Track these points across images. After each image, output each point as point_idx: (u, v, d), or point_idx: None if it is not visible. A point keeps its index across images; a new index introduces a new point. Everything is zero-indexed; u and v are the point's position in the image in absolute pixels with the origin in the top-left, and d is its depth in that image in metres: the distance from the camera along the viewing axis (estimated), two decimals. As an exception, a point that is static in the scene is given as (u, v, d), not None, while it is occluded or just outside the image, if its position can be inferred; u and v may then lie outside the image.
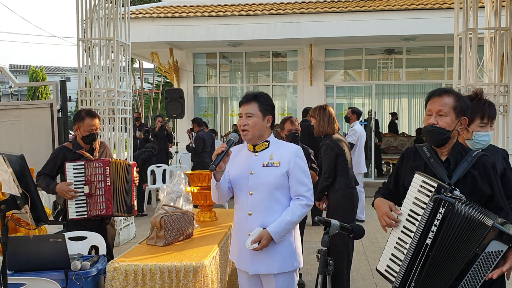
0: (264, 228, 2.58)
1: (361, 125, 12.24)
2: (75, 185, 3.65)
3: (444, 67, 11.63)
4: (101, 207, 3.66)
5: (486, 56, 6.15)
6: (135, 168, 3.87)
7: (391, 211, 2.29)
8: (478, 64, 6.03)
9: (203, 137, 8.80)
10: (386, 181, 2.53)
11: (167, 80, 20.39)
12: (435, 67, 12.34)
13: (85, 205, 3.67)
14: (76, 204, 3.65)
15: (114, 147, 6.58)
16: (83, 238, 3.49)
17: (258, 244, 2.55)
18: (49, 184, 3.69)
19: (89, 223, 3.70)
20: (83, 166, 3.68)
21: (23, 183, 2.09)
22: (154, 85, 29.06)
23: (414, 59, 12.12)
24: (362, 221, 7.43)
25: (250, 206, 2.66)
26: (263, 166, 2.65)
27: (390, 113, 13.64)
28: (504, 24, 6.01)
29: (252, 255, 2.63)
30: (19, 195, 2.07)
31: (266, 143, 2.72)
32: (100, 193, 3.67)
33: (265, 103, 2.69)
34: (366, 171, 8.23)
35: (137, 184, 3.91)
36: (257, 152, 2.71)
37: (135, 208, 3.88)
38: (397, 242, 2.24)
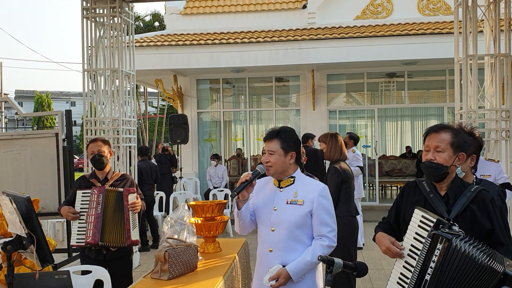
0: (283, 266, 2.57)
1: (364, 148, 12.41)
2: (81, 212, 3.73)
3: (446, 89, 11.70)
4: (88, 234, 3.67)
5: (487, 82, 6.21)
6: (132, 195, 3.79)
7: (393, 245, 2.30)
8: (479, 89, 6.08)
9: (140, 169, 7.99)
10: (385, 216, 2.55)
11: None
12: (437, 89, 12.42)
13: (84, 232, 3.70)
14: (78, 230, 3.72)
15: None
16: (88, 272, 3.50)
17: (276, 281, 2.53)
18: (60, 207, 3.85)
19: (92, 254, 3.75)
20: (89, 194, 3.75)
21: (30, 224, 2.13)
22: (159, 109, 29.28)
23: (416, 82, 12.21)
24: (361, 248, 7.39)
25: (271, 242, 2.65)
26: (287, 203, 2.64)
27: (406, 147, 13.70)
28: (504, 50, 6.08)
29: None
30: (25, 236, 2.10)
31: (291, 179, 2.70)
32: (90, 221, 3.69)
33: (287, 140, 2.67)
34: (364, 196, 8.22)
35: (136, 211, 3.81)
36: (282, 187, 2.70)
37: (132, 238, 3.76)
38: (399, 277, 2.25)
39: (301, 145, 4.14)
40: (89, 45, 6.71)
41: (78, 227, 3.71)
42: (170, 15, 12.78)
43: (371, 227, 9.42)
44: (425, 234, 2.14)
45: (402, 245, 2.27)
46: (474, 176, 2.72)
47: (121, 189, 3.80)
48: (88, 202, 3.74)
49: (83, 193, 3.77)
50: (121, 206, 3.75)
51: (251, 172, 2.69)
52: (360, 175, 7.74)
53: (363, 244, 7.60)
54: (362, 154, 9.33)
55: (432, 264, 2.07)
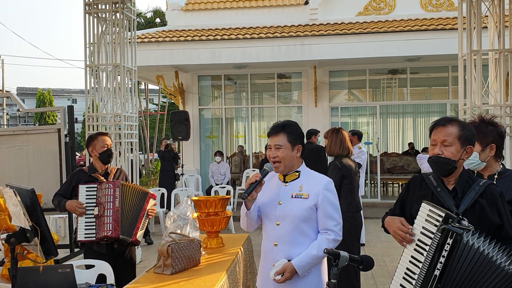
0: (289, 260, 2.55)
1: (366, 145, 12.38)
2: (86, 207, 3.69)
3: (448, 86, 11.67)
4: (108, 228, 3.64)
5: (491, 77, 6.18)
6: (153, 201, 3.86)
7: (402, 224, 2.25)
8: (483, 85, 6.05)
9: None
10: (391, 208, 2.52)
11: (172, 101, 20.57)
12: (440, 86, 12.38)
13: (94, 227, 3.66)
14: (85, 225, 3.68)
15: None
16: (91, 266, 3.49)
17: (282, 276, 2.51)
18: (60, 201, 3.77)
19: (103, 248, 3.72)
20: (95, 189, 3.72)
21: (34, 217, 2.11)
22: (159, 106, 29.23)
23: (418, 78, 12.17)
24: (363, 245, 7.34)
25: (276, 236, 2.63)
26: (292, 197, 2.62)
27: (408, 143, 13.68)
28: (508, 45, 6.05)
29: (276, 287, 2.60)
30: (29, 228, 2.08)
31: (297, 174, 2.68)
32: (108, 214, 3.66)
33: (293, 133, 2.66)
34: (363, 194, 8.17)
35: (151, 216, 3.90)
36: (287, 182, 2.69)
37: (136, 237, 3.78)
38: (405, 273, 2.21)
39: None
40: (91, 41, 6.69)
41: (86, 222, 3.67)
42: (172, 11, 12.75)
43: (373, 224, 9.43)
44: (432, 228, 2.10)
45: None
46: (501, 166, 2.66)
47: (147, 190, 3.88)
48: (94, 197, 3.70)
49: (87, 187, 3.73)
50: (140, 205, 3.80)
51: (257, 171, 2.66)
52: (363, 172, 7.71)
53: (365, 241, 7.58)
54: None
55: (442, 259, 2.03)
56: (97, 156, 3.86)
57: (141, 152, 22.61)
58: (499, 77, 6.04)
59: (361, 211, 4.72)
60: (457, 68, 6.47)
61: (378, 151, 11.98)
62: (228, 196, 4.25)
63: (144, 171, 18.40)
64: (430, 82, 12.44)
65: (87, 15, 6.64)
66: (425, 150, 10.87)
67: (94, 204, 3.69)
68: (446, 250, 2.02)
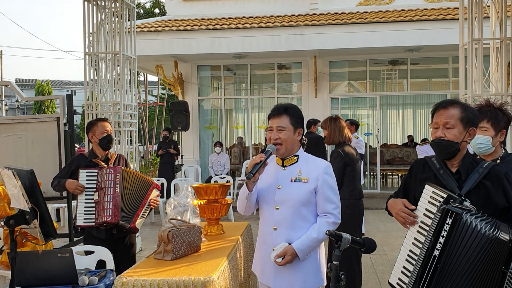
0: (289, 244, 2.54)
1: (366, 136, 12.37)
2: (86, 191, 3.67)
3: (449, 77, 11.63)
4: (108, 214, 3.62)
5: (492, 66, 6.15)
6: (156, 191, 3.87)
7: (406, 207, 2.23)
8: (485, 74, 6.02)
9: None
10: (395, 191, 2.51)
11: (172, 93, 20.48)
12: (440, 78, 12.34)
13: (93, 212, 3.65)
14: (85, 210, 3.67)
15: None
16: (90, 252, 3.48)
17: (282, 259, 2.51)
18: (60, 181, 3.76)
19: (102, 234, 3.71)
20: (96, 174, 3.71)
21: (33, 198, 2.09)
22: (159, 98, 29.17)
23: (419, 69, 12.13)
24: (362, 234, 7.34)
25: (275, 220, 2.62)
26: (291, 181, 2.61)
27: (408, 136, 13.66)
28: (510, 34, 6.01)
29: (275, 270, 2.60)
30: (28, 210, 2.06)
31: (295, 158, 2.67)
32: (108, 200, 3.65)
33: (295, 116, 2.65)
34: (363, 183, 8.15)
35: (153, 207, 3.91)
36: (285, 166, 2.67)
37: (135, 224, 3.77)
38: (408, 254, 2.21)
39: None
40: (91, 30, 6.64)
41: (85, 207, 3.66)
42: (171, 0, 12.67)
43: (373, 215, 9.41)
44: (435, 210, 2.10)
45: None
46: (503, 151, 2.68)
47: (152, 180, 3.89)
48: (94, 182, 3.69)
49: (87, 172, 3.71)
50: (143, 193, 3.81)
51: (262, 153, 2.63)
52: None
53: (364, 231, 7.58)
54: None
55: (442, 239, 2.02)
56: (97, 142, 3.85)
57: (140, 144, 22.60)
58: (500, 66, 6.01)
59: (362, 199, 4.72)
60: (457, 59, 6.44)
61: (378, 142, 11.96)
62: (228, 184, 4.24)
63: (143, 163, 18.39)
64: (430, 73, 12.40)
65: (86, 2, 6.58)
66: (424, 141, 10.86)
67: (94, 189, 3.68)
68: (445, 230, 2.01)
